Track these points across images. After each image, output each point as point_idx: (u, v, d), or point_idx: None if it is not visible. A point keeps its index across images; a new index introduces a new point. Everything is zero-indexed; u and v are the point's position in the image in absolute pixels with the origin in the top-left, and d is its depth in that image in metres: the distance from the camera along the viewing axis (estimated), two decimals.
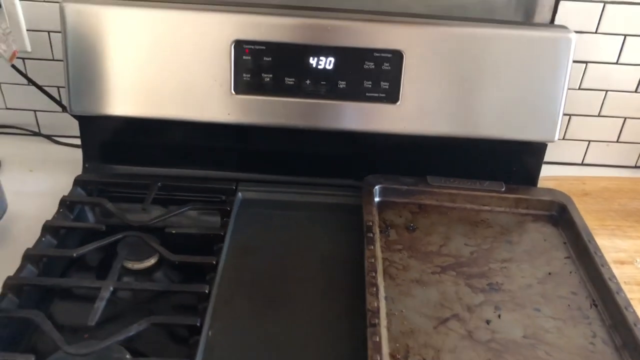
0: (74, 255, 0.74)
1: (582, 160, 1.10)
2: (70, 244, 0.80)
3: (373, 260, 0.73)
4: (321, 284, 0.75)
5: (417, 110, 0.86)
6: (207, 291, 0.70)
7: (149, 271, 0.78)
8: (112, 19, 0.83)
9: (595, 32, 0.97)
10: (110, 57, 0.84)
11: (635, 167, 1.11)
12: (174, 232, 0.80)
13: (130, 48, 0.84)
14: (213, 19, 0.82)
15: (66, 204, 0.84)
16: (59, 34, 0.85)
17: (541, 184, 0.96)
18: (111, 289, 0.70)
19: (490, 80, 0.86)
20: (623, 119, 1.06)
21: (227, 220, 0.83)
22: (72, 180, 0.89)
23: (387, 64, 0.84)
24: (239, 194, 0.88)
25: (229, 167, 0.92)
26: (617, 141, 1.08)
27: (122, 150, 0.94)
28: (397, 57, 0.84)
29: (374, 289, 0.68)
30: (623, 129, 1.06)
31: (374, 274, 0.71)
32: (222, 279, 0.74)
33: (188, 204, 0.86)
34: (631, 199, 0.98)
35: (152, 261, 0.78)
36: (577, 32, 0.87)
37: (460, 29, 0.84)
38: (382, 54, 0.84)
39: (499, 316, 0.70)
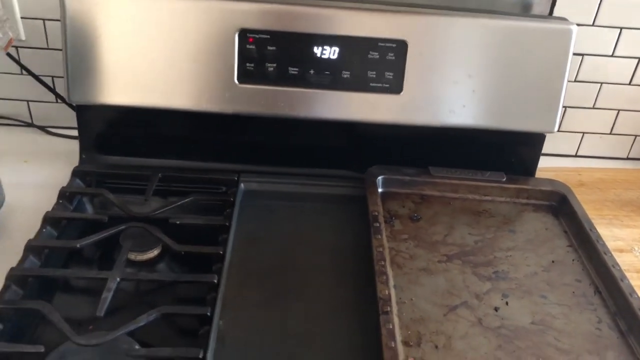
0: (78, 246, 0.73)
1: (576, 152, 1.12)
2: (71, 235, 0.79)
3: (381, 250, 0.73)
4: (329, 274, 0.75)
5: (420, 100, 0.87)
6: (216, 281, 0.69)
7: (152, 262, 0.77)
8: (114, 6, 0.81)
9: (592, 25, 0.98)
10: (111, 45, 0.83)
11: (628, 158, 1.13)
12: (178, 222, 0.79)
13: (132, 36, 0.83)
14: (218, 7, 0.81)
15: (65, 195, 0.82)
16: (55, 22, 0.83)
17: (538, 174, 0.97)
18: (118, 279, 0.69)
19: (493, 71, 0.86)
20: (617, 111, 1.07)
21: (230, 211, 0.82)
22: (69, 171, 0.87)
23: (391, 54, 0.84)
24: (242, 185, 0.88)
25: (231, 158, 0.91)
26: (611, 133, 1.10)
27: (121, 140, 0.92)
28: (401, 47, 0.84)
29: (384, 277, 0.69)
30: (616, 121, 1.08)
31: (383, 263, 0.71)
32: (229, 270, 0.73)
33: (190, 195, 0.85)
34: (625, 189, 1.00)
35: (155, 252, 0.77)
36: (575, 23, 0.88)
37: (464, 19, 0.84)
38: (387, 44, 0.84)
39: (507, 303, 0.70)
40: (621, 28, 0.99)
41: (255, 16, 0.82)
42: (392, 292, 0.69)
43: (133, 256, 0.76)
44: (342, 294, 0.71)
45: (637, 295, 0.70)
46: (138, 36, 0.82)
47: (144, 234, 0.77)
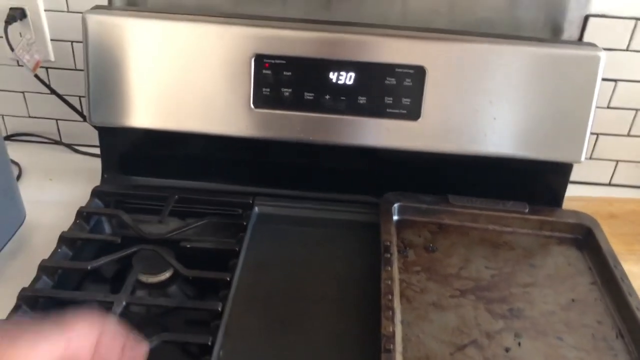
0: (89, 268, 0.74)
1: (610, 181, 1.07)
2: (87, 255, 0.80)
3: (390, 282, 0.71)
4: (336, 305, 0.73)
5: (439, 127, 0.85)
6: (219, 309, 0.69)
7: (163, 285, 0.77)
8: (134, 30, 0.83)
9: (627, 50, 0.94)
10: (131, 68, 0.84)
11: None
12: (188, 246, 0.79)
13: (151, 60, 0.84)
14: (234, 33, 0.82)
15: (83, 215, 0.84)
16: (82, 44, 0.85)
17: (567, 204, 0.93)
18: (124, 303, 0.69)
19: (515, 98, 0.83)
20: None
21: (242, 235, 0.82)
22: (91, 190, 0.89)
23: (408, 80, 0.83)
24: (256, 209, 0.88)
25: (247, 181, 0.91)
26: None
27: (141, 161, 0.93)
28: (419, 73, 0.82)
29: (390, 313, 0.67)
30: None
31: (390, 297, 0.69)
32: (235, 296, 0.72)
33: (205, 217, 0.85)
34: None
35: (166, 275, 0.77)
36: (606, 49, 0.85)
37: (484, 45, 0.82)
38: (404, 70, 0.82)
39: (519, 344, 0.67)
40: None
41: (270, 41, 0.82)
42: (399, 328, 0.67)
43: (145, 278, 0.76)
44: (347, 327, 0.70)
45: None
46: (157, 60, 0.84)
47: (156, 256, 0.78)
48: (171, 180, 0.93)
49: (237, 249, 0.79)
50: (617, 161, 1.05)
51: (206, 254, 0.81)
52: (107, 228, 0.88)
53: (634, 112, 1.00)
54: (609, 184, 1.07)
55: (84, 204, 0.86)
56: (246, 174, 0.92)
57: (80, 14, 0.83)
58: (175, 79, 0.84)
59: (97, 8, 0.84)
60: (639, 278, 0.81)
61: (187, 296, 0.77)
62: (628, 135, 1.02)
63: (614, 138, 1.02)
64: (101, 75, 0.85)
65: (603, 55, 0.82)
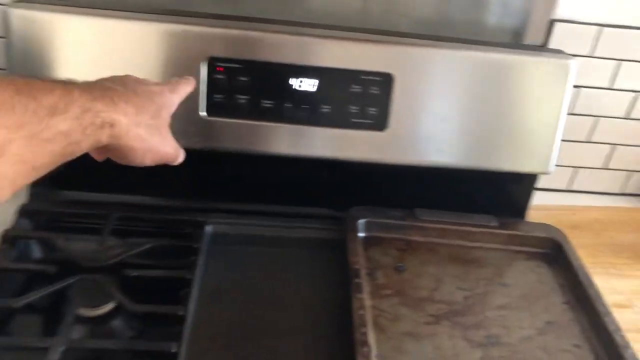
0: (15, 306, 0.64)
1: (569, 187, 1.06)
2: (14, 287, 0.70)
3: (362, 312, 0.65)
4: (304, 337, 0.66)
5: (406, 138, 0.79)
6: (174, 350, 0.61)
7: (106, 318, 0.68)
8: (65, 27, 0.73)
9: (590, 56, 0.92)
10: (62, 70, 0.74)
11: (622, 194, 1.07)
12: (134, 274, 0.71)
13: (85, 62, 0.74)
14: (183, 33, 0.73)
15: (8, 239, 0.73)
16: (3, 41, 0.74)
17: (530, 213, 0.91)
18: (62, 348, 0.60)
19: (485, 107, 0.79)
20: (613, 146, 1.01)
21: (194, 259, 0.74)
22: (16, 209, 0.78)
23: (375, 88, 0.77)
24: (208, 227, 0.79)
25: (198, 196, 0.83)
26: (606, 168, 1.04)
27: (75, 174, 0.82)
28: (386, 80, 0.76)
29: (365, 349, 0.61)
30: (612, 156, 1.02)
31: (363, 330, 0.63)
32: (192, 332, 0.65)
33: (151, 237, 0.77)
34: (621, 232, 0.94)
35: (109, 306, 0.68)
36: (572, 54, 0.82)
37: (455, 52, 0.77)
38: (371, 77, 0.76)
39: None
40: (620, 60, 0.92)
41: (225, 43, 0.74)
42: None
43: (84, 312, 0.67)
44: None
45: None
46: (92, 62, 0.74)
47: (97, 286, 0.69)
48: (111, 195, 0.83)
49: (189, 277, 0.71)
50: (578, 167, 1.03)
51: (155, 282, 0.72)
52: (37, 252, 0.77)
53: (594, 118, 0.98)
54: (569, 190, 1.06)
55: (9, 226, 0.75)
56: (197, 188, 0.83)
57: (1, 7, 0.72)
58: None
59: (22, 1, 0.73)
60: (608, 293, 0.79)
61: (135, 330, 0.68)
62: (588, 141, 1.00)
63: (575, 144, 1.00)
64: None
65: (574, 63, 0.79)
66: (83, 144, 0.46)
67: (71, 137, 0.44)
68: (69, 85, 0.46)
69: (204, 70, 0.74)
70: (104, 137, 0.48)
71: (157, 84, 0.59)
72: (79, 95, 0.45)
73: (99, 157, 0.58)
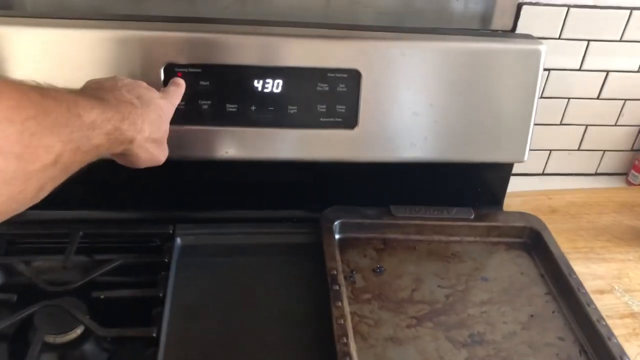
0: None
1: (544, 170, 1.05)
2: None
3: (342, 322, 0.63)
4: (283, 349, 0.64)
5: (377, 135, 0.77)
6: None
7: (76, 344, 0.65)
8: (14, 40, 0.68)
9: (559, 38, 0.90)
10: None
11: (596, 174, 1.06)
12: (102, 297, 0.67)
13: (37, 75, 0.69)
14: (138, 39, 0.69)
15: None
16: None
17: (507, 201, 0.90)
18: None
19: (456, 98, 0.77)
20: (585, 127, 1.00)
21: (165, 274, 0.71)
22: None
23: (342, 85, 0.74)
24: (178, 240, 0.76)
25: (165, 206, 0.80)
26: (579, 149, 1.03)
27: None
28: (353, 76, 0.74)
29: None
30: (584, 137, 1.01)
31: (345, 340, 0.61)
32: (166, 353, 0.62)
33: (117, 254, 0.73)
34: (599, 214, 0.93)
35: (78, 332, 0.65)
36: (539, 37, 0.80)
37: (422, 43, 0.75)
38: (337, 74, 0.73)
39: None
40: (588, 40, 0.91)
41: (182, 48, 0.70)
42: None
43: (52, 339, 0.64)
44: None
45: (628, 358, 0.62)
46: (45, 75, 0.68)
47: (62, 312, 0.65)
48: (73, 211, 0.79)
49: (160, 294, 0.68)
50: (551, 150, 1.02)
51: (125, 301, 0.69)
52: None
53: (565, 100, 0.97)
54: (543, 174, 1.05)
55: None
56: (164, 198, 0.80)
57: None
58: None
59: None
60: (589, 279, 0.79)
61: (107, 351, 0.66)
62: (561, 124, 0.99)
63: (548, 128, 0.99)
64: None
65: (544, 48, 0.77)
66: (103, 153, 0.51)
67: (100, 150, 0.49)
68: (104, 103, 0.51)
69: (162, 77, 0.70)
70: (119, 150, 0.55)
71: (161, 96, 0.63)
72: (113, 115, 0.50)
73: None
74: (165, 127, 0.63)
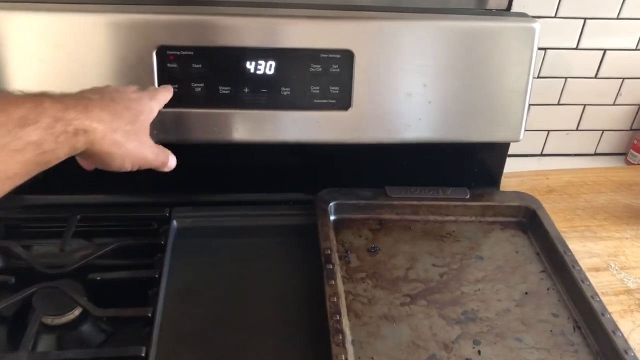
0: None
1: (542, 151, 1.05)
2: None
3: (336, 299, 0.64)
4: (280, 332, 0.64)
5: (371, 115, 0.77)
6: (143, 354, 0.59)
7: (73, 325, 0.66)
8: (5, 26, 0.68)
9: (555, 17, 0.90)
10: (7, 68, 0.70)
11: (595, 154, 1.06)
12: (98, 278, 0.68)
13: (29, 60, 0.70)
14: (130, 22, 0.69)
15: None
16: None
17: (504, 182, 0.89)
18: None
19: (450, 79, 0.77)
20: (582, 106, 1.00)
21: (161, 256, 0.71)
22: None
23: (335, 66, 0.74)
24: (174, 222, 0.77)
25: (161, 189, 0.80)
26: (577, 129, 1.02)
27: (34, 176, 0.79)
28: (346, 57, 0.73)
29: (340, 337, 0.59)
30: (582, 117, 1.01)
31: (338, 317, 0.62)
32: (161, 334, 0.63)
33: (114, 237, 0.74)
34: (596, 193, 0.93)
35: (75, 313, 0.66)
36: (535, 16, 0.80)
37: (415, 22, 0.74)
38: (330, 55, 0.73)
39: (479, 352, 0.62)
40: (585, 19, 0.90)
41: (175, 30, 0.70)
42: (351, 351, 0.60)
43: (50, 320, 0.65)
44: (295, 355, 0.62)
45: (621, 333, 0.63)
46: (37, 60, 0.70)
47: (60, 293, 0.66)
48: (70, 196, 0.80)
49: (156, 275, 0.68)
50: (549, 131, 1.02)
51: (121, 283, 0.70)
52: None
53: (563, 80, 0.97)
54: (541, 154, 1.05)
55: None
56: (160, 182, 0.80)
57: None
58: (64, 78, 0.70)
59: None
60: (584, 257, 0.80)
61: (105, 333, 0.66)
62: (558, 104, 0.99)
63: (545, 108, 0.99)
64: None
65: (538, 26, 0.77)
66: (58, 152, 0.48)
67: (43, 146, 0.46)
68: (40, 97, 0.48)
69: (154, 61, 0.71)
70: (79, 144, 0.50)
71: (135, 91, 0.61)
72: (50, 106, 0.47)
73: (86, 166, 0.61)
74: (143, 118, 0.59)
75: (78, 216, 0.76)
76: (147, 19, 0.70)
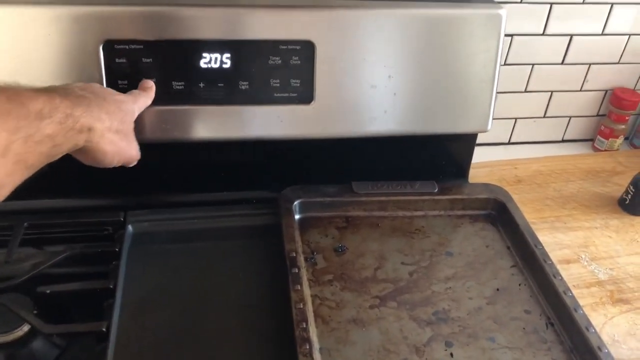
0: None
1: (509, 139, 1.03)
2: None
3: (302, 306, 0.61)
4: (244, 339, 0.61)
5: (335, 109, 0.74)
6: None
7: (22, 342, 0.61)
8: None
9: (521, 2, 0.87)
10: None
11: (563, 141, 1.05)
12: (48, 291, 0.64)
13: None
14: (73, 15, 0.64)
15: None
16: None
17: (472, 172, 0.87)
18: None
19: (415, 69, 0.74)
20: (550, 93, 0.99)
21: (116, 264, 0.67)
22: None
23: (296, 58, 0.70)
24: (129, 227, 0.72)
25: (114, 191, 0.76)
26: (544, 116, 1.01)
27: None
28: (307, 48, 0.70)
29: (307, 346, 0.57)
30: (550, 104, 1.00)
31: (304, 325, 0.59)
32: (116, 348, 0.59)
33: (64, 244, 0.70)
34: (565, 182, 0.92)
35: (24, 329, 0.61)
36: (501, 1, 0.78)
37: (377, 11, 0.71)
38: (290, 46, 0.69)
39: (452, 355, 0.60)
40: (551, 4, 0.88)
41: (122, 23, 0.65)
42: (318, 359, 0.57)
43: None
44: None
45: (594, 329, 0.61)
46: None
47: (5, 310, 0.62)
48: (17, 201, 0.74)
49: (111, 285, 0.64)
50: (516, 118, 1.00)
51: (74, 295, 0.66)
52: None
53: (530, 66, 0.95)
54: (509, 142, 1.03)
55: None
56: (113, 184, 0.75)
57: None
58: (0, 77, 0.65)
59: None
60: (555, 249, 0.79)
61: (58, 348, 0.62)
62: (525, 91, 0.97)
63: (512, 95, 0.97)
64: None
65: (504, 12, 0.74)
66: (64, 147, 0.50)
67: (55, 140, 0.48)
68: (50, 91, 0.49)
69: (101, 56, 0.66)
70: (81, 141, 0.52)
71: (118, 93, 0.62)
72: (60, 102, 0.49)
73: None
74: (129, 119, 0.61)
75: (25, 224, 0.71)
76: (92, 11, 0.65)
